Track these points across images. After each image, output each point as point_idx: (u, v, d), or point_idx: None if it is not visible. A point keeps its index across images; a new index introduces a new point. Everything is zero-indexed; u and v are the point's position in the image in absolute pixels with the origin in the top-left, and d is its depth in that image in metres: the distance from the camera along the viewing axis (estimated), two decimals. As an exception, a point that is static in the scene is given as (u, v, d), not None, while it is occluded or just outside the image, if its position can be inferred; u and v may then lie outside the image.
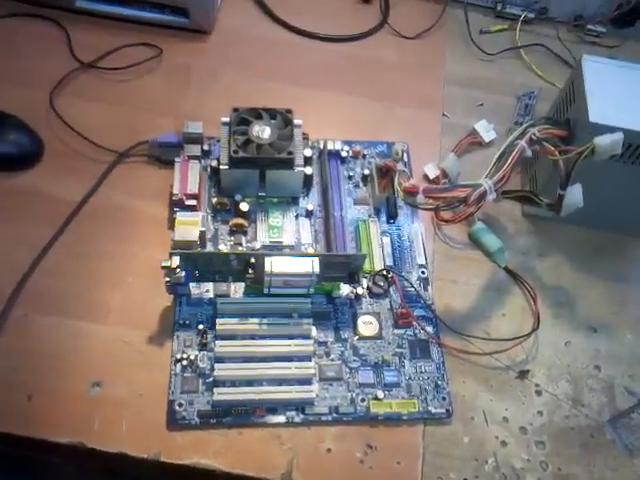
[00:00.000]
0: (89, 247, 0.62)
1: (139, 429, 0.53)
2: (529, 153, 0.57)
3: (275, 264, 0.55)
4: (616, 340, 0.64)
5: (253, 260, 0.55)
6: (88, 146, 0.67)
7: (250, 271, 0.55)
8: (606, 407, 0.60)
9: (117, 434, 0.53)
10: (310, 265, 0.55)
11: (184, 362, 0.56)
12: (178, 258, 0.54)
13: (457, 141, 0.74)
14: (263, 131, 0.62)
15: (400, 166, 0.61)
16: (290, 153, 0.61)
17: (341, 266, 0.58)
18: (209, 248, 0.62)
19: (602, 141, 0.54)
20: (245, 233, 0.64)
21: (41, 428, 0.52)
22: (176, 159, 0.65)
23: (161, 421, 0.54)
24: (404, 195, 0.58)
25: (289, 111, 0.64)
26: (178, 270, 0.54)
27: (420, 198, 0.56)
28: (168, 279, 0.55)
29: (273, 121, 0.64)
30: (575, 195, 0.57)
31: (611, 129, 0.55)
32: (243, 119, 0.63)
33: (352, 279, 0.59)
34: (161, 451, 0.52)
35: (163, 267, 0.54)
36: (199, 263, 0.56)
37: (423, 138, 0.74)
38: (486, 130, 0.75)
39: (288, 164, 0.62)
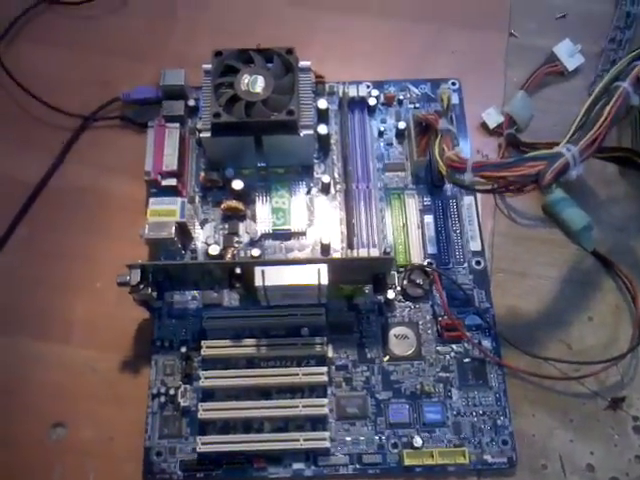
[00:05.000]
0: (48, 243, 0.49)
1: (110, 482, 0.43)
2: (636, 101, 0.37)
3: (268, 276, 0.40)
4: None
5: (239, 271, 0.40)
6: (46, 110, 0.53)
7: (237, 284, 0.41)
8: None
9: (83, 489, 0.43)
10: (315, 274, 0.40)
11: (162, 398, 0.44)
12: (138, 272, 0.40)
13: (529, 72, 0.55)
14: (254, 82, 0.45)
15: (444, 123, 0.43)
16: (291, 112, 0.44)
17: (362, 270, 0.43)
18: (198, 241, 0.48)
19: None
20: (242, 218, 0.49)
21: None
22: (149, 123, 0.50)
23: (136, 472, 0.43)
24: (446, 170, 0.40)
25: (290, 51, 0.46)
26: (142, 287, 0.40)
27: (469, 177, 0.38)
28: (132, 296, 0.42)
29: (270, 65, 0.47)
30: None
31: None
32: (228, 67, 0.46)
33: (378, 286, 0.43)
34: (137, 511, 0.42)
35: (120, 284, 0.40)
36: (171, 274, 0.42)
37: (482, 71, 0.56)
38: (570, 54, 0.55)
39: (290, 127, 0.45)
